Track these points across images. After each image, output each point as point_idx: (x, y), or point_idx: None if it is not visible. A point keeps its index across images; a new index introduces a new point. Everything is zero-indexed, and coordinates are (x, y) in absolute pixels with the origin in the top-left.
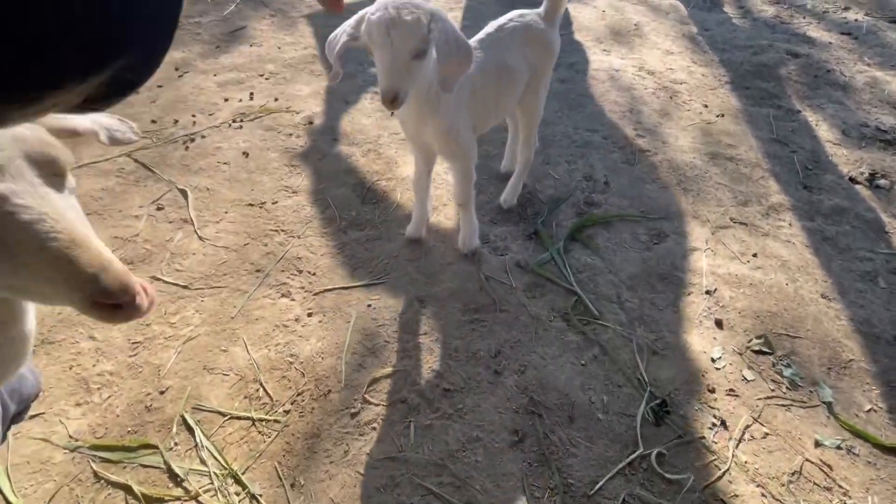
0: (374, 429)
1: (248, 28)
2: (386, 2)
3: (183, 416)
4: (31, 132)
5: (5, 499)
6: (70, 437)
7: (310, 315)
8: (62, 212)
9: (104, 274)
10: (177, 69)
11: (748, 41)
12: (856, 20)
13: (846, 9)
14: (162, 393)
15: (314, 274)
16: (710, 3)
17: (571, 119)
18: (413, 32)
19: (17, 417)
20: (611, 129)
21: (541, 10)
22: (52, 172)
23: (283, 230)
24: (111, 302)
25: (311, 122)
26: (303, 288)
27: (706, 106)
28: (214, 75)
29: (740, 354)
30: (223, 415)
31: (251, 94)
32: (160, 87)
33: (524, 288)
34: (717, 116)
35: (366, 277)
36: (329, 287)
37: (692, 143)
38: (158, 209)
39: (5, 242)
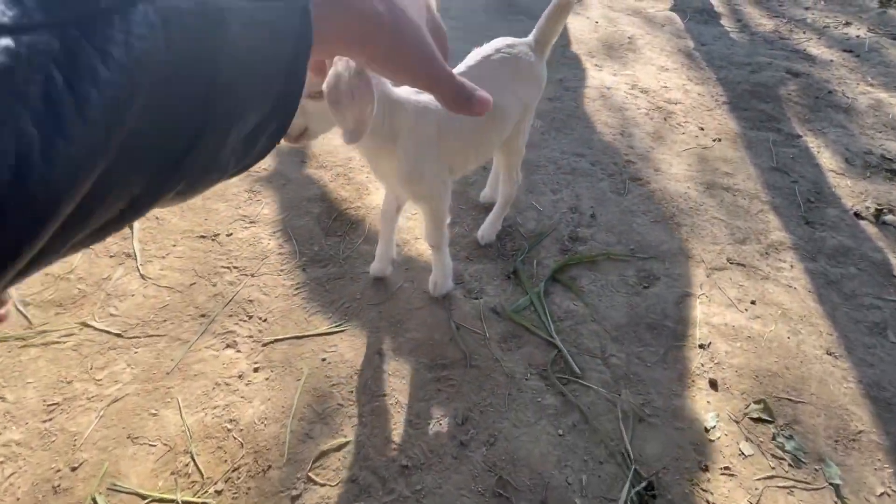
0: None
1: None
2: None
3: (94, 500)
4: None
5: None
6: None
7: (256, 370)
8: None
9: None
10: None
11: (746, 58)
12: (857, 36)
13: (847, 24)
14: (74, 469)
15: (265, 320)
16: (706, 15)
17: (558, 142)
18: None
19: None
20: (600, 154)
21: (530, 38)
22: None
23: (235, 267)
24: None
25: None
26: (251, 337)
27: (702, 129)
28: None
29: (737, 422)
30: (143, 497)
31: None
32: None
33: (499, 338)
34: (714, 141)
35: (323, 324)
36: (280, 336)
37: (687, 170)
38: None
39: None
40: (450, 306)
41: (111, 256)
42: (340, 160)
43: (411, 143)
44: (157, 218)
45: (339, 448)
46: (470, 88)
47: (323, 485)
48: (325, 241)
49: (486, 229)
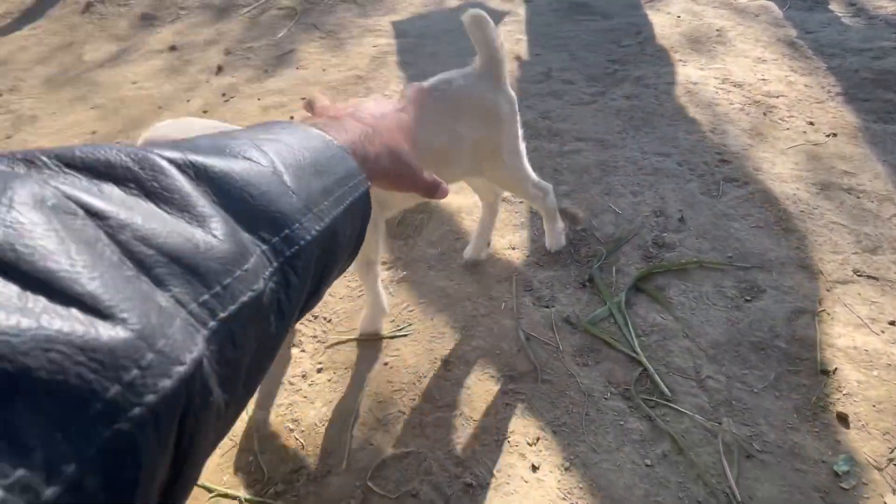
0: None
1: (296, 51)
2: None
3: None
4: None
5: None
6: None
7: (319, 371)
8: None
9: None
10: (223, 94)
11: (865, 43)
12: None
13: None
14: None
15: (329, 321)
16: (811, 1)
17: (637, 141)
18: None
19: None
20: (687, 154)
21: (475, 68)
22: None
23: None
24: None
25: None
26: (315, 337)
27: (811, 123)
28: (258, 99)
29: (879, 470)
30: (209, 490)
31: (291, 117)
32: (205, 112)
33: (573, 352)
34: (828, 136)
35: (386, 328)
36: (344, 338)
37: (794, 169)
38: None
39: None
40: (518, 315)
41: None
42: None
43: None
44: None
45: (400, 458)
46: (435, 183)
47: (382, 496)
48: (391, 242)
49: (550, 238)
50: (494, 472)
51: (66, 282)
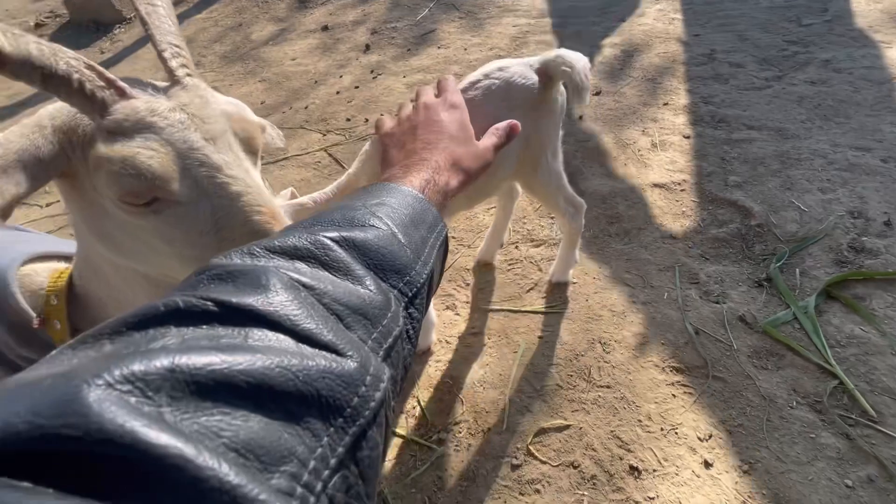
0: (537, 491)
1: (437, 31)
2: None
3: None
4: (235, 108)
5: None
6: None
7: (474, 335)
8: (262, 186)
9: None
10: (372, 71)
11: None
12: None
13: None
14: None
15: (482, 289)
16: None
17: (827, 133)
18: None
19: None
20: (894, 149)
21: (534, 59)
22: (250, 150)
23: (453, 237)
24: None
25: None
26: (468, 303)
27: None
28: (403, 77)
29: None
30: None
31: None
32: (356, 87)
33: (750, 352)
34: None
35: (537, 302)
36: (496, 307)
37: None
38: None
39: (215, 212)
40: (684, 307)
41: None
42: None
43: None
44: None
45: (560, 429)
46: (501, 136)
47: (544, 462)
48: (539, 221)
49: (559, 266)
50: (661, 460)
51: (316, 335)
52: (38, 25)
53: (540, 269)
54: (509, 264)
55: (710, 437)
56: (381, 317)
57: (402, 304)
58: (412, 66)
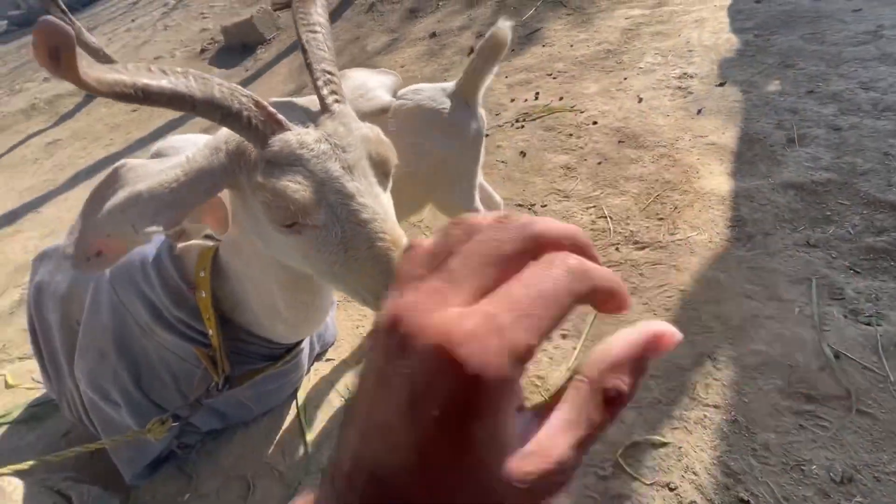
0: None
1: (543, 29)
2: None
3: None
4: (373, 132)
5: (300, 422)
6: (347, 388)
7: (563, 337)
8: (389, 213)
9: None
10: None
11: None
12: None
13: None
14: None
15: None
16: None
17: None
18: None
19: (318, 357)
20: None
21: (450, 85)
22: (382, 172)
23: None
24: None
25: (594, 122)
26: None
27: None
28: (506, 77)
29: None
30: None
31: (536, 93)
32: None
33: None
34: None
35: (639, 309)
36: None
37: None
38: None
39: (345, 236)
40: (821, 325)
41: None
42: (665, 139)
43: None
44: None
45: (656, 446)
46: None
47: (635, 478)
48: (644, 222)
49: None
50: (781, 498)
51: None
52: (202, 50)
53: (642, 275)
54: (609, 266)
55: (850, 480)
56: None
57: None
58: (515, 66)
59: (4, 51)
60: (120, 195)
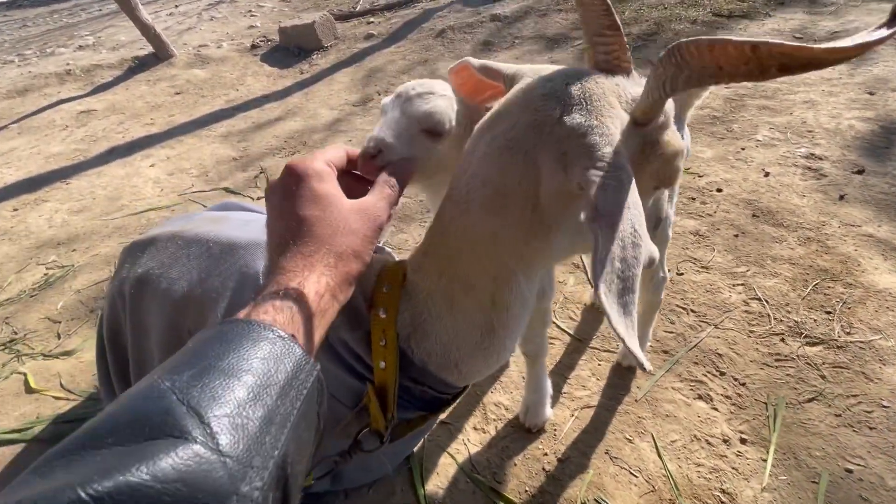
0: None
1: None
2: None
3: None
4: None
5: (414, 490)
6: (472, 465)
7: (743, 441)
8: None
9: None
10: None
11: None
12: None
13: None
14: (560, 462)
15: (743, 384)
16: None
17: None
18: None
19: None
20: None
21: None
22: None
23: (693, 311)
24: None
25: (719, 190)
26: (728, 398)
27: None
28: None
29: None
30: None
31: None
32: None
33: None
34: None
35: (832, 422)
36: (763, 413)
37: None
38: None
39: None
40: None
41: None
42: (809, 222)
43: None
44: None
45: None
46: (384, 185)
47: None
48: (808, 313)
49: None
50: None
51: None
52: (253, 46)
53: (824, 378)
54: (775, 360)
55: None
56: None
57: None
58: None
59: (34, 14)
60: None
